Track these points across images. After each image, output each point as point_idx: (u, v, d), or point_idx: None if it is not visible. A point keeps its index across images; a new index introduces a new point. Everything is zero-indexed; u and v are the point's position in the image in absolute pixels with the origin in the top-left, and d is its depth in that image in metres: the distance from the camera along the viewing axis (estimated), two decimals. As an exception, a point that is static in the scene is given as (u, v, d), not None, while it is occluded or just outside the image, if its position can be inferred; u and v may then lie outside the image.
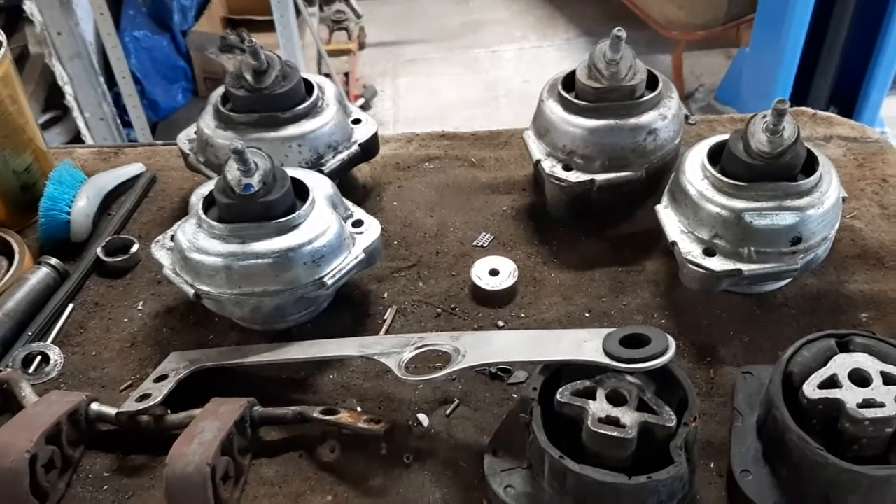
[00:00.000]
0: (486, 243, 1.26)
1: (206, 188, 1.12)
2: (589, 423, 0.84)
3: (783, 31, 3.37)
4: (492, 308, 1.16)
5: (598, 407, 0.85)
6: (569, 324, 1.13)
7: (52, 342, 1.14)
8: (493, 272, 1.18)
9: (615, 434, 0.83)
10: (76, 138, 3.27)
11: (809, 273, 1.14)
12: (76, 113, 3.19)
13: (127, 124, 3.51)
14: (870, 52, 3.43)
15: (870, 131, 1.41)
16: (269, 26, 4.18)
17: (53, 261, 1.21)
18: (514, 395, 1.05)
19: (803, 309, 1.12)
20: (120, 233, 1.30)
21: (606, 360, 0.87)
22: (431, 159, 1.42)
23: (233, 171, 1.04)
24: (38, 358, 1.12)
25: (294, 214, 1.05)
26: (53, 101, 3.32)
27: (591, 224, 1.27)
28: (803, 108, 1.45)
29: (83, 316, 1.19)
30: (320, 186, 1.12)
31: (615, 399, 0.86)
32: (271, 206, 1.05)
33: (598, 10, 4.97)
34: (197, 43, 4.05)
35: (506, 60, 4.73)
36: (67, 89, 3.15)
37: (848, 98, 3.63)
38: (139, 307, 1.20)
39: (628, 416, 0.84)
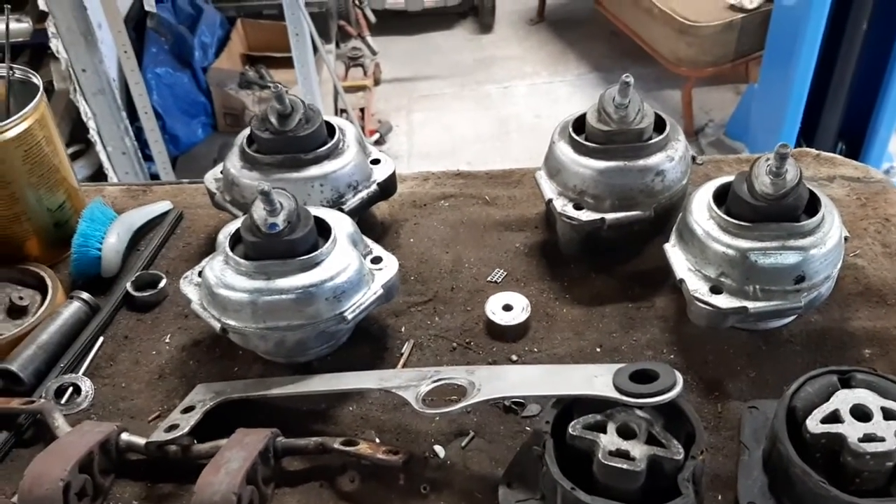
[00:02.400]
0: (500, 279, 1.30)
1: (233, 226, 1.17)
2: (600, 455, 0.88)
3: (791, 68, 3.42)
4: (505, 342, 1.20)
5: (609, 440, 0.89)
6: (580, 358, 1.16)
7: (84, 374, 1.19)
8: (507, 307, 1.23)
9: (625, 467, 0.86)
10: (99, 171, 3.35)
11: (814, 310, 1.17)
12: (99, 147, 3.27)
13: (148, 158, 3.58)
14: (877, 88, 3.47)
15: (873, 171, 1.45)
16: (287, 63, 4.29)
17: (85, 295, 1.26)
18: (528, 428, 1.08)
19: (808, 345, 1.16)
20: (148, 268, 1.35)
21: (616, 395, 0.91)
22: (447, 197, 1.47)
23: (259, 210, 1.09)
24: (70, 389, 1.16)
25: (317, 252, 1.10)
26: (77, 136, 3.41)
27: (601, 261, 1.31)
28: (807, 150, 1.49)
29: (113, 349, 1.23)
30: (341, 225, 1.17)
31: (625, 432, 0.90)
32: (295, 244, 1.10)
33: (608, 47, 5.05)
34: (217, 79, 4.15)
35: (518, 96, 4.81)
36: (91, 124, 3.23)
37: (856, 133, 3.66)
38: (167, 340, 1.24)
39: (638, 450, 0.88)
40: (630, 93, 1.23)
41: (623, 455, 0.88)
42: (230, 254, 1.11)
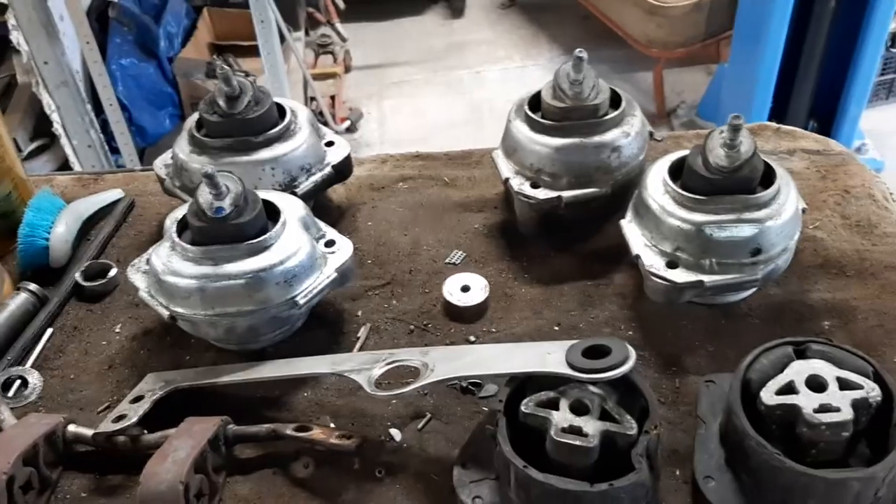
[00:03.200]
0: (459, 261, 1.28)
1: (180, 212, 1.14)
2: (552, 432, 0.86)
3: (760, 47, 3.42)
4: (463, 324, 1.19)
5: (561, 417, 0.87)
6: (538, 337, 1.15)
7: (31, 366, 1.16)
8: (465, 288, 1.21)
9: (577, 443, 0.85)
10: (65, 165, 3.29)
11: (773, 283, 1.17)
12: (64, 140, 3.21)
13: (115, 151, 3.53)
14: (847, 65, 3.48)
15: (833, 144, 1.44)
16: (255, 51, 4.22)
17: (32, 286, 1.23)
18: (485, 409, 1.06)
19: (767, 318, 1.15)
20: (98, 258, 1.32)
21: (569, 371, 0.90)
22: (405, 179, 1.45)
23: (205, 195, 1.07)
24: (18, 382, 1.13)
25: (265, 236, 1.08)
26: (41, 130, 3.35)
27: (559, 240, 1.30)
28: (767, 123, 1.49)
29: (62, 340, 1.20)
30: (292, 208, 1.14)
31: (578, 409, 0.88)
32: (243, 228, 1.08)
33: (580, 30, 5.03)
34: (183, 69, 4.09)
35: (490, 81, 4.78)
36: (55, 117, 3.17)
37: (827, 111, 3.67)
38: (117, 330, 1.22)
39: (590, 426, 0.87)
40: (584, 68, 1.21)
41: (575, 431, 0.86)
42: (176, 240, 1.08)
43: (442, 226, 1.35)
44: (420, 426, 1.05)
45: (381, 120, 4.51)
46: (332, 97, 4.44)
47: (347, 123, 4.36)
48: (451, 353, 1.02)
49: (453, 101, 4.60)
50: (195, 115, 1.31)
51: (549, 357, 0.93)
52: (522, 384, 0.94)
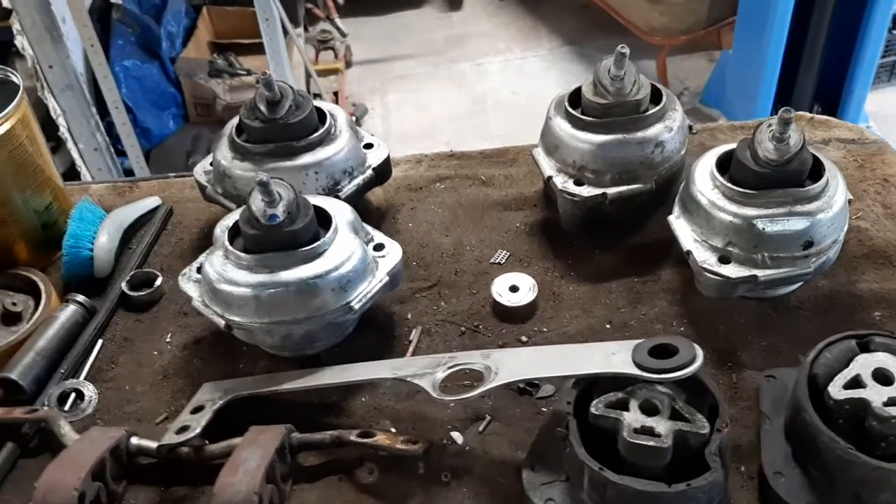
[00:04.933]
0: (503, 260, 1.29)
1: (230, 220, 1.14)
2: (625, 433, 0.87)
3: (765, 32, 3.42)
4: (514, 324, 1.19)
5: (633, 418, 0.88)
6: (591, 336, 1.15)
7: (85, 378, 1.16)
8: (513, 288, 1.21)
9: (651, 443, 0.85)
10: (71, 169, 3.28)
11: (821, 275, 1.17)
12: (70, 144, 3.20)
13: (120, 153, 3.52)
14: (851, 48, 3.49)
15: (867, 133, 1.45)
16: (255, 49, 4.23)
17: (81, 297, 1.22)
18: (544, 409, 1.07)
19: (817, 310, 1.15)
20: (142, 267, 1.32)
21: (637, 372, 0.90)
22: (442, 179, 1.44)
23: (257, 202, 1.06)
24: (73, 395, 1.13)
25: (319, 242, 1.08)
26: (47, 134, 3.29)
27: (603, 237, 1.30)
28: (801, 113, 1.48)
29: (113, 351, 1.20)
30: (341, 213, 1.14)
31: (648, 409, 0.89)
32: (297, 234, 1.07)
33: (580, 20, 5.03)
34: (186, 69, 4.07)
35: (492, 73, 4.77)
36: (60, 121, 3.16)
37: (832, 95, 3.68)
38: (168, 340, 1.22)
39: (662, 426, 0.87)
40: (626, 64, 1.21)
41: (648, 432, 0.86)
42: (230, 248, 1.08)
43: (483, 225, 1.35)
44: (481, 429, 1.05)
45: (385, 115, 4.50)
46: (335, 93, 4.42)
47: (353, 119, 4.34)
48: (513, 356, 1.02)
49: (456, 94, 4.59)
50: (234, 121, 1.30)
51: (615, 357, 0.93)
52: (587, 386, 0.94)
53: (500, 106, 4.45)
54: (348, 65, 4.85)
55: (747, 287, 1.10)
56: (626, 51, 1.19)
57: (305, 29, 4.80)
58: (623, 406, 0.90)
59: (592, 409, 0.89)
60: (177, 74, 4.08)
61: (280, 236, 1.07)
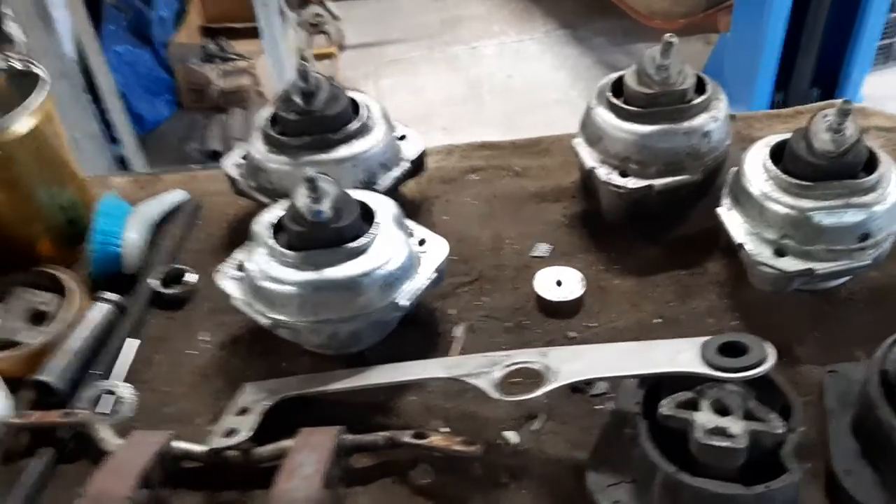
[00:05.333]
0: (547, 253, 1.26)
1: (267, 216, 1.10)
2: (697, 434, 0.84)
3: (764, 15, 3.40)
4: (560, 319, 1.16)
5: (705, 418, 0.85)
6: (641, 331, 1.13)
7: (122, 380, 1.12)
8: (558, 283, 1.18)
9: (726, 445, 0.83)
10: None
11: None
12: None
13: (115, 141, 3.45)
14: (850, 30, 3.48)
15: (905, 121, 1.43)
16: (247, 33, 4.16)
17: (112, 296, 1.18)
18: (599, 407, 1.05)
19: (870, 302, 1.14)
20: (172, 263, 1.28)
21: (708, 371, 0.88)
22: (475, 170, 1.41)
23: (302, 198, 1.03)
24: (112, 398, 1.09)
25: (365, 239, 1.04)
26: (40, 123, 3.25)
27: (646, 229, 1.27)
28: (834, 101, 1.46)
29: (148, 351, 1.16)
30: (384, 207, 1.11)
31: (720, 409, 0.86)
32: (342, 231, 1.04)
33: (574, 2, 4.98)
34: (178, 54, 4.00)
35: (487, 56, 4.72)
36: (55, 110, 3.08)
37: (830, 78, 3.67)
38: (203, 338, 1.18)
39: (736, 426, 0.85)
40: (672, 53, 1.18)
41: (721, 433, 0.84)
42: (275, 245, 1.04)
43: (521, 218, 1.32)
44: (536, 427, 1.03)
45: (380, 99, 4.37)
46: (329, 78, 4.35)
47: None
48: (572, 354, 0.99)
49: (452, 78, 4.54)
50: (265, 112, 1.26)
51: (683, 356, 0.91)
52: (654, 384, 0.92)
53: (497, 90, 4.40)
54: (341, 49, 4.78)
55: (803, 280, 1.08)
56: (674, 40, 1.17)
57: (295, 12, 4.72)
58: (693, 406, 0.87)
59: (662, 410, 0.87)
60: (169, 60, 4.01)
61: (326, 233, 1.03)
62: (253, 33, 3.70)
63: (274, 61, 3.63)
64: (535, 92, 4.29)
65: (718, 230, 1.17)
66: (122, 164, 3.44)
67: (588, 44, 4.63)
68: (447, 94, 4.42)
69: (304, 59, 4.13)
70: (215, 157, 3.59)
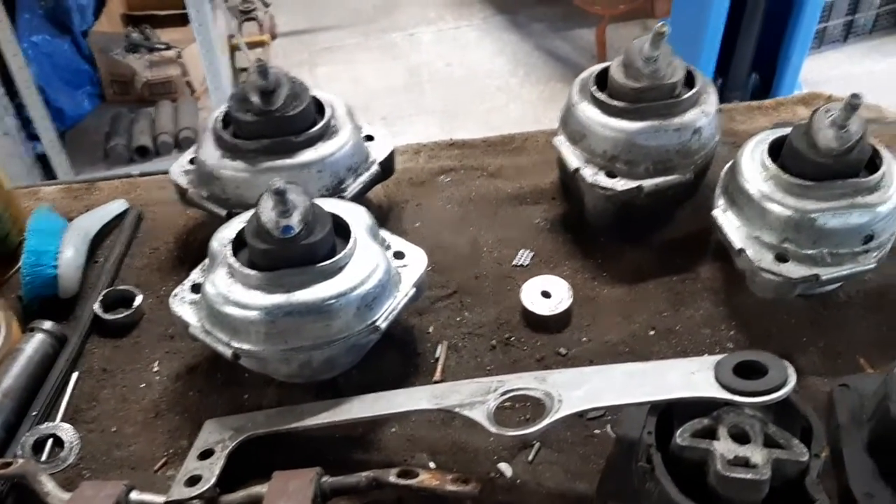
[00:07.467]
0: (527, 261, 1.17)
1: (228, 231, 0.99)
2: (719, 467, 0.77)
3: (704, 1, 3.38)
4: (549, 334, 1.08)
5: (724, 447, 0.78)
6: (635, 344, 1.05)
7: (63, 420, 0.99)
8: (545, 294, 1.10)
9: (750, 477, 0.76)
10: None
11: (868, 268, 1.10)
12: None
13: (33, 137, 3.23)
14: (787, 16, 3.48)
15: (885, 111, 1.39)
16: (173, 21, 3.96)
17: (48, 324, 1.05)
18: (596, 431, 0.97)
19: (869, 306, 1.09)
20: (114, 283, 1.15)
21: (726, 395, 0.80)
22: (446, 171, 1.32)
23: (267, 212, 0.92)
24: (51, 441, 0.96)
25: (339, 255, 0.94)
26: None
27: (632, 232, 1.20)
28: (817, 92, 1.42)
29: (92, 385, 1.04)
30: (358, 218, 1.01)
31: (739, 436, 0.79)
32: (314, 248, 0.93)
33: (513, -13, 4.90)
34: (100, 44, 3.77)
35: (425, 43, 4.60)
36: (-38, 106, 2.87)
37: (768, 64, 3.68)
38: (155, 369, 1.06)
39: (758, 455, 0.78)
40: (662, 44, 1.11)
41: (742, 463, 0.77)
42: (237, 265, 0.93)
43: (498, 223, 1.23)
44: (531, 458, 0.95)
45: (316, 89, 4.28)
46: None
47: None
48: (574, 378, 0.90)
49: (390, 66, 4.41)
50: (217, 113, 1.14)
51: (696, 377, 0.83)
52: (667, 408, 0.84)
53: (436, 78, 4.30)
54: (273, 36, 4.60)
55: (806, 286, 1.02)
56: (666, 29, 1.09)
57: (224, -1, 4.52)
58: (711, 434, 0.80)
59: (678, 440, 0.80)
60: (90, 50, 3.78)
61: (296, 250, 0.93)
62: (179, 21, 3.52)
63: (204, 50, 3.45)
64: (475, 80, 4.20)
65: (708, 232, 1.10)
66: (42, 161, 3.23)
67: (527, 29, 4.55)
68: (386, 83, 4.29)
69: (237, 47, 3.96)
70: (143, 153, 3.40)
